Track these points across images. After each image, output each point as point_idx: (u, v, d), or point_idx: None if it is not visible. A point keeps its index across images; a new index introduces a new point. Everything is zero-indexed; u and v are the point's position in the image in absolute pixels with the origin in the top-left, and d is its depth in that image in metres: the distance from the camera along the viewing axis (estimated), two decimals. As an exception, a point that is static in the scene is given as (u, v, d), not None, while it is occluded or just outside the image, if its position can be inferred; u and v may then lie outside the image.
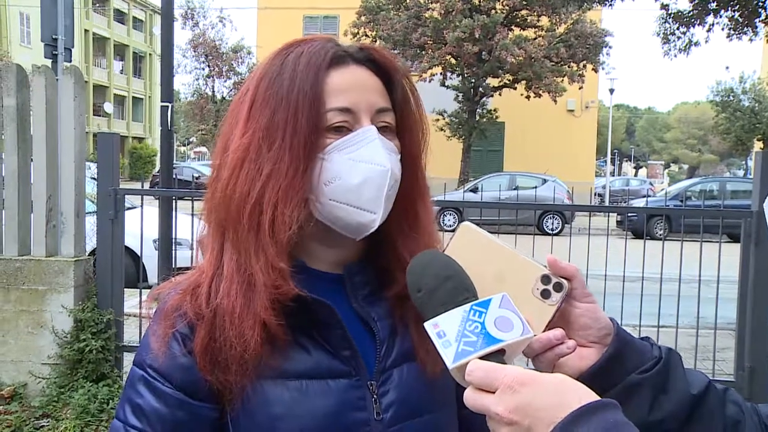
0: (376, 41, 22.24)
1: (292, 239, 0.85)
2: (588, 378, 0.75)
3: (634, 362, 0.81)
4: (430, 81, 21.85)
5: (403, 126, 0.93)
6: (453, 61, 22.78)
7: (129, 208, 4.79)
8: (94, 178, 4.42)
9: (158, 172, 10.79)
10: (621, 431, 0.60)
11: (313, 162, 0.85)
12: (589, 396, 0.63)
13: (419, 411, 0.91)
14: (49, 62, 6.30)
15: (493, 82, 23.38)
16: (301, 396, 0.85)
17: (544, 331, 0.78)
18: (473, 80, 23.03)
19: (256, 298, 0.83)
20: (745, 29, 12.90)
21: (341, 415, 0.86)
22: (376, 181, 0.86)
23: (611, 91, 34.01)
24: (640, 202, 17.27)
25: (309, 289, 0.85)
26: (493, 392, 0.64)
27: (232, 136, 0.88)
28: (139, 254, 4.77)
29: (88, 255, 4.40)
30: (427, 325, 0.70)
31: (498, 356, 0.67)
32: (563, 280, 0.79)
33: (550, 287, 0.79)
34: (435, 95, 20.53)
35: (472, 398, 0.66)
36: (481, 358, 0.66)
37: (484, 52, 21.90)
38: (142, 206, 4.48)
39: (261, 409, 0.85)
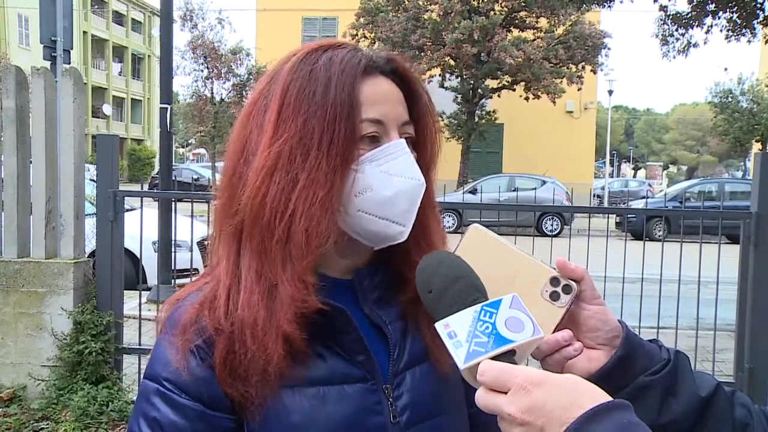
0: (374, 43, 22.26)
1: (323, 251, 0.84)
2: (596, 380, 0.75)
3: (643, 364, 0.81)
4: (429, 82, 21.83)
5: (421, 137, 0.93)
6: (452, 62, 22.79)
7: (128, 210, 4.78)
8: (93, 180, 4.41)
9: (157, 173, 10.77)
10: None
11: (347, 172, 0.85)
12: (602, 396, 0.63)
13: (433, 412, 0.92)
14: (48, 64, 6.30)
15: (491, 83, 23.40)
16: (319, 403, 0.85)
17: (552, 333, 0.78)
18: (472, 82, 23.05)
19: (278, 310, 0.82)
20: (744, 31, 12.96)
21: (359, 421, 0.86)
22: (410, 195, 0.87)
23: (610, 92, 34.02)
24: (639, 204, 17.27)
25: (323, 296, 0.84)
26: (505, 393, 0.64)
27: (255, 142, 0.86)
28: (138, 256, 4.76)
29: (88, 257, 4.40)
30: (438, 326, 0.70)
31: (509, 357, 0.67)
32: (572, 282, 0.80)
33: (559, 289, 0.79)
34: (434, 97, 20.01)
35: (483, 399, 0.65)
36: (492, 358, 0.66)
37: (482, 54, 21.92)
38: (141, 208, 4.46)
39: (279, 418, 0.84)
